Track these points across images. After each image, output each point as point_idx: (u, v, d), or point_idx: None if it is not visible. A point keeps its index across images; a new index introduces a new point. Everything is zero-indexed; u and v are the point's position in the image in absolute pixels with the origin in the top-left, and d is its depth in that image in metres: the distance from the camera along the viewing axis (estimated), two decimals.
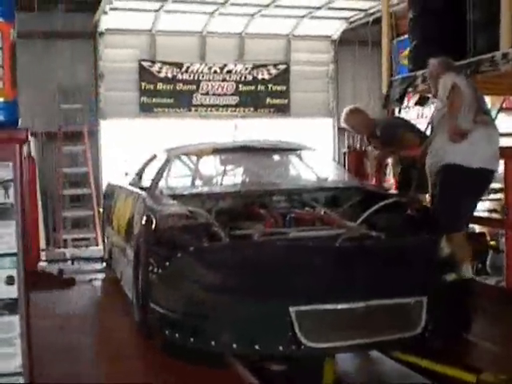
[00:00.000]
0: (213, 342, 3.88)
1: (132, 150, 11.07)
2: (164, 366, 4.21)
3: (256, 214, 5.15)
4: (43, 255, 8.53)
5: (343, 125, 7.28)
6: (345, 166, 8.33)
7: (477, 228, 8.07)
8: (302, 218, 5.12)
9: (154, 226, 4.59)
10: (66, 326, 5.34)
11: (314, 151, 6.54)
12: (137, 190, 5.96)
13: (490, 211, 9.03)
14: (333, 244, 4.30)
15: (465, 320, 4.35)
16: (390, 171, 10.58)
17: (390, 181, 9.88)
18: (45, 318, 5.55)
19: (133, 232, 5.35)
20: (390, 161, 9.83)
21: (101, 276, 7.35)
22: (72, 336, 5.06)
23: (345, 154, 8.82)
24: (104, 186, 9.04)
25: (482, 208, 8.17)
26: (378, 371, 4.68)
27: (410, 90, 7.72)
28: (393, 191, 6.63)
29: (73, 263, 8.38)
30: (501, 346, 4.49)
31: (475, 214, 6.11)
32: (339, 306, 3.86)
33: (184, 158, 6.29)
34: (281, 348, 3.79)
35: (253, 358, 4.11)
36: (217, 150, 6.18)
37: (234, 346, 3.85)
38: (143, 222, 4.90)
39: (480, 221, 6.71)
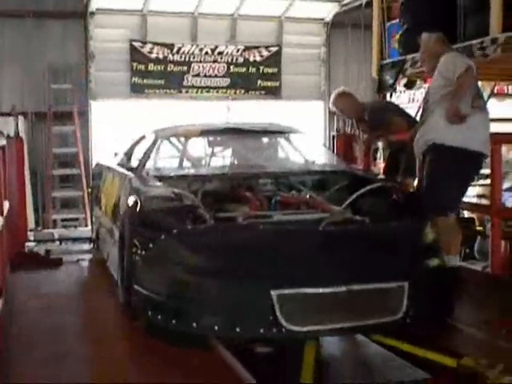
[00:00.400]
0: (194, 324, 3.90)
1: (122, 131, 11.04)
2: (148, 348, 4.20)
3: (242, 196, 5.15)
4: (31, 235, 8.50)
5: (332, 108, 7.27)
6: (333, 149, 8.31)
7: (466, 213, 8.11)
8: (287, 201, 5.13)
9: (138, 207, 4.59)
10: (52, 306, 5.33)
11: (303, 134, 6.53)
12: (124, 170, 5.95)
13: (479, 196, 9.06)
14: (316, 228, 4.31)
15: (447, 305, 4.37)
16: (380, 155, 10.60)
17: (381, 165, 9.89)
18: (31, 298, 5.58)
19: (119, 213, 5.34)
20: (380, 145, 9.84)
21: (88, 256, 7.32)
22: (58, 316, 5.05)
23: (333, 137, 8.80)
24: (93, 165, 9.03)
25: (472, 193, 8.20)
26: (363, 354, 4.71)
27: (400, 74, 7.73)
28: (380, 176, 6.64)
29: (61, 243, 8.36)
30: (485, 331, 4.49)
31: (464, 199, 6.13)
32: (321, 290, 3.87)
33: (172, 139, 6.27)
34: (262, 331, 3.80)
35: (237, 340, 4.14)
36: (204, 132, 6.16)
37: (216, 328, 3.86)
38: (129, 203, 4.89)
39: (467, 206, 6.72)
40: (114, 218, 5.62)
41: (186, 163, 6.06)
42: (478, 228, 7.69)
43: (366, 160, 7.77)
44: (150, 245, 4.24)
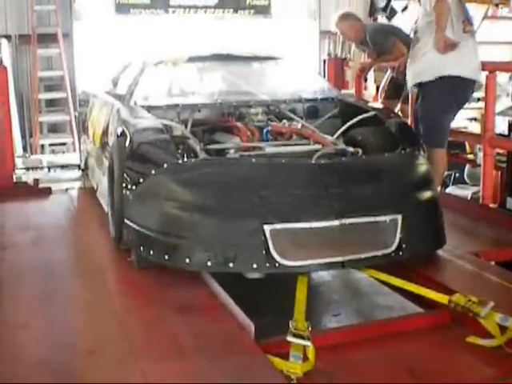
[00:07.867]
0: (187, 260, 3.86)
1: (108, 53, 10.83)
2: (138, 283, 4.18)
3: (233, 126, 5.07)
4: (19, 162, 8.39)
5: (336, 29, 7.17)
6: (324, 74, 8.15)
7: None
8: (278, 131, 5.05)
9: (128, 140, 4.49)
10: (42, 239, 5.26)
11: (294, 60, 6.39)
12: (112, 99, 5.82)
13: (470, 120, 9.01)
14: (309, 161, 4.24)
15: (439, 238, 4.37)
16: (371, 78, 10.45)
17: (371, 87, 9.76)
18: (21, 231, 5.50)
19: (108, 143, 5.26)
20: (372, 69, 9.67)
21: (77, 185, 7.24)
22: (49, 250, 4.99)
23: (324, 61, 8.62)
24: (79, 91, 8.86)
25: (463, 116, 8.14)
26: (356, 290, 4.71)
27: None
28: (374, 103, 6.54)
29: (49, 171, 8.28)
30: (475, 264, 4.48)
31: (456, 124, 6.13)
32: (314, 224, 3.84)
33: (160, 66, 6.10)
34: (255, 266, 3.77)
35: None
36: (192, 58, 6.01)
37: (209, 264, 3.83)
38: (118, 135, 4.79)
39: (459, 135, 6.64)
40: (103, 147, 5.53)
41: (174, 91, 5.92)
42: (469, 156, 7.65)
43: (358, 86, 7.64)
44: (141, 180, 4.18)
